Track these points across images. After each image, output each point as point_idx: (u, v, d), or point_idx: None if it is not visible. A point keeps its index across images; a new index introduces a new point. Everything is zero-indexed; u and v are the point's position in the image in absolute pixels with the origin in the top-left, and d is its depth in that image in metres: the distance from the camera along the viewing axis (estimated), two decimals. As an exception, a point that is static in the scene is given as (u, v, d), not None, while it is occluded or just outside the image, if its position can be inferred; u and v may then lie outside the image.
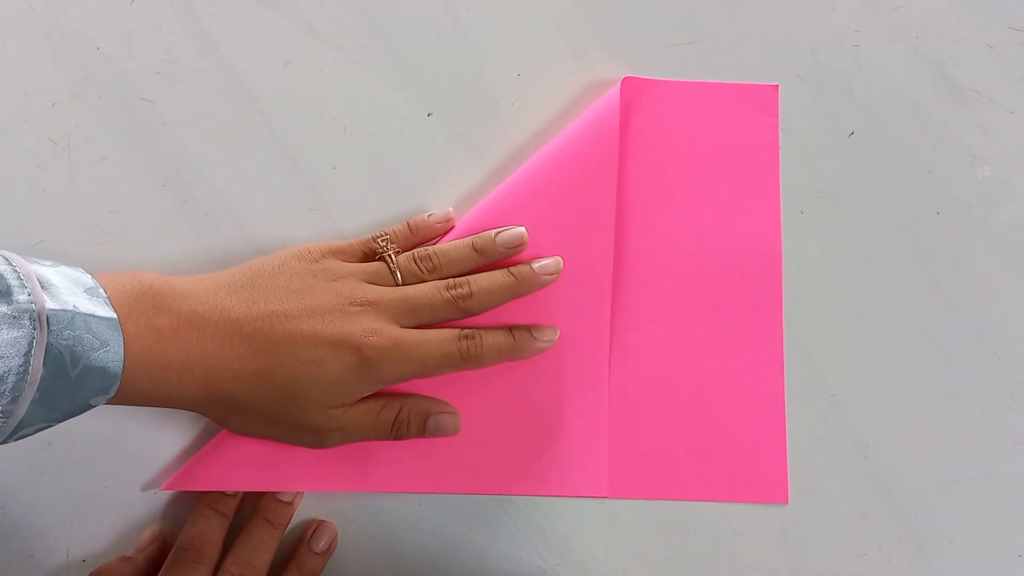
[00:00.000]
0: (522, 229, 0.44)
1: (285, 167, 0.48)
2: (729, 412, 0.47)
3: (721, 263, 0.48)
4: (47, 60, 0.48)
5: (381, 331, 0.41)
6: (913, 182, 0.49)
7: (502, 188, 0.47)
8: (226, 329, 0.39)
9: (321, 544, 0.45)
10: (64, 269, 0.37)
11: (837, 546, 0.46)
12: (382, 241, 0.45)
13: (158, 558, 0.44)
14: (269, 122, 0.48)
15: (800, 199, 0.49)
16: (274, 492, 0.45)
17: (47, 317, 0.34)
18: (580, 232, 0.46)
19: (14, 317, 0.33)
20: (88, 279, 0.37)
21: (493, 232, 0.44)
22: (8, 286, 0.34)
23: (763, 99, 0.49)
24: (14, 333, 0.33)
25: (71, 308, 0.35)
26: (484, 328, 0.44)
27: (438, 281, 0.43)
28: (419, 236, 0.46)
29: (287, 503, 0.45)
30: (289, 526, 0.45)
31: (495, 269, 0.44)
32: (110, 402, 0.37)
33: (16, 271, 0.34)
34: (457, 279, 0.43)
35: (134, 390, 0.37)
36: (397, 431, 0.43)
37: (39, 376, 0.34)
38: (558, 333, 0.45)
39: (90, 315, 0.35)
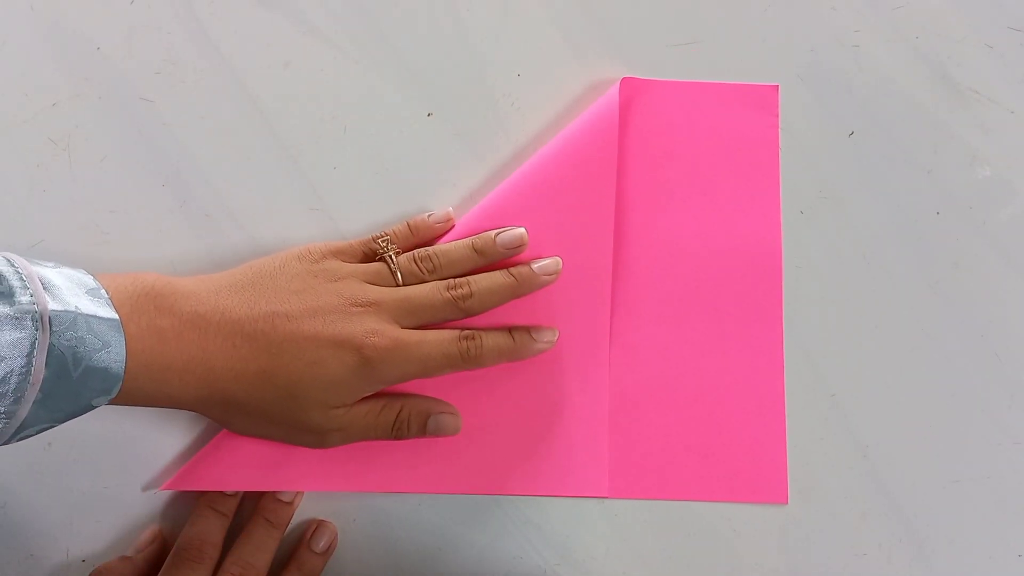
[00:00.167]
0: (522, 230, 0.44)
1: (285, 167, 0.48)
2: (729, 412, 0.47)
3: (721, 263, 0.48)
4: (47, 60, 0.48)
5: (382, 332, 0.41)
6: (913, 182, 0.49)
7: (502, 188, 0.47)
8: (228, 330, 0.39)
9: (321, 544, 0.45)
10: (66, 270, 0.37)
11: (837, 546, 0.46)
12: (382, 241, 0.45)
13: (158, 558, 0.44)
14: (269, 122, 0.48)
15: (800, 199, 0.49)
16: (274, 492, 0.45)
17: (49, 318, 0.34)
18: (580, 232, 0.46)
19: (16, 318, 0.33)
20: (90, 280, 0.37)
21: (493, 233, 0.44)
22: (10, 287, 0.34)
23: (763, 99, 0.49)
24: (16, 334, 0.33)
25: (73, 309, 0.35)
26: (484, 329, 0.44)
27: (438, 281, 0.43)
28: (419, 236, 0.46)
29: (287, 503, 0.45)
30: (289, 526, 0.45)
31: (495, 270, 0.44)
32: (112, 403, 0.37)
33: (18, 272, 0.34)
34: (457, 279, 0.43)
35: (136, 391, 0.37)
36: (398, 431, 0.43)
37: (41, 377, 0.34)
38: (557, 334, 0.45)
39: (92, 316, 0.35)
